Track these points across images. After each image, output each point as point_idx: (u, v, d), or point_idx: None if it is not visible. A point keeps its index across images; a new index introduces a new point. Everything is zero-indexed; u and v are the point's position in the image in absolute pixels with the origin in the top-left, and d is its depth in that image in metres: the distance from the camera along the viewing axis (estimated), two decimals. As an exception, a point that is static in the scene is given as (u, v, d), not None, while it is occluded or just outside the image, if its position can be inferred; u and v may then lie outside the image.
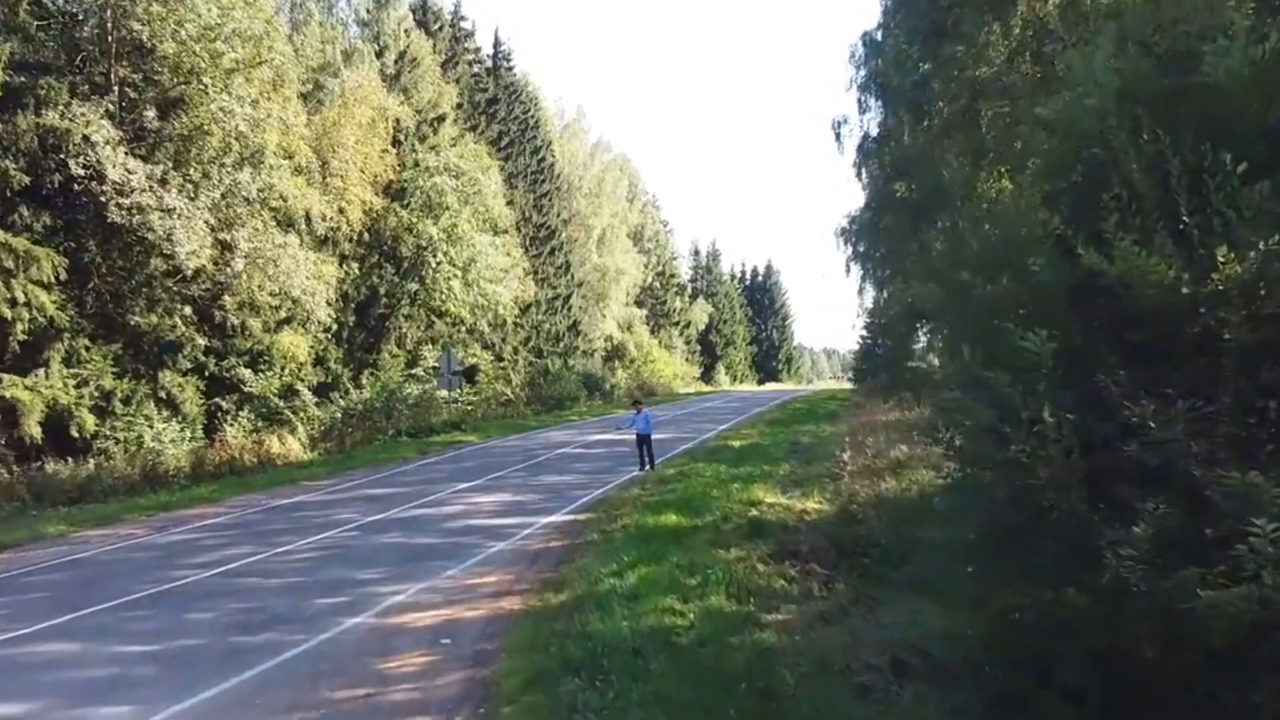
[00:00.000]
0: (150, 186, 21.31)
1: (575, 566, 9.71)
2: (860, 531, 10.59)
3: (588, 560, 9.87)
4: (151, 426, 22.16)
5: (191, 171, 22.46)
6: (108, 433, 21.18)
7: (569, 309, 49.74)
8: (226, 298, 25.18)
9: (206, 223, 22.16)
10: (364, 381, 29.92)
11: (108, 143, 20.55)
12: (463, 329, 37.35)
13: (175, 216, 21.34)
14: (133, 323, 23.19)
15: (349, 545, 11.77)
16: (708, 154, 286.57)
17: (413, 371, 33.84)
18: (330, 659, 7.20)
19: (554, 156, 51.36)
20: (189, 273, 22.47)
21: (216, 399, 25.14)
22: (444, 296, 34.36)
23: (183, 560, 11.24)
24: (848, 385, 76.11)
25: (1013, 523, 4.04)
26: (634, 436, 18.44)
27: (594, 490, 15.72)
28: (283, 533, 12.73)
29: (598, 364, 55.00)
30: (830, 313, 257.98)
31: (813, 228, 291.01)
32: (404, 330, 35.14)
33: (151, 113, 22.21)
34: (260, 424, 25.04)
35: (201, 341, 24.75)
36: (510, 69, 47.90)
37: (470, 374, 37.22)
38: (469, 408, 34.56)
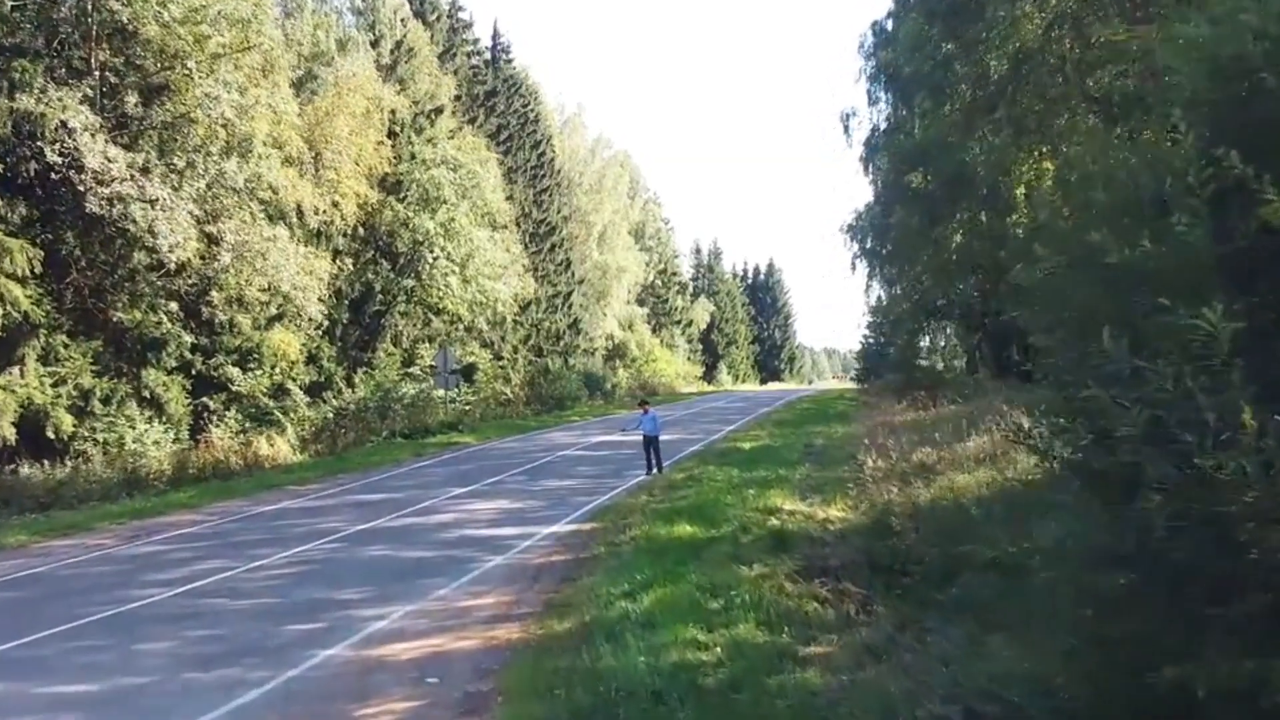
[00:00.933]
0: (131, 175, 20.25)
1: (581, 586, 8.66)
2: (896, 545, 9.52)
3: (595, 579, 8.82)
4: (133, 427, 21.12)
5: (175, 160, 21.41)
6: (86, 434, 20.15)
7: (569, 307, 48.67)
8: (214, 293, 24.16)
9: (191, 214, 21.08)
10: (358, 381, 28.86)
11: (86, 129, 19.48)
12: (461, 327, 36.30)
13: (158, 207, 20.28)
14: (115, 319, 22.19)
15: (331, 559, 10.70)
16: (708, 151, 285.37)
17: (409, 370, 32.82)
18: (298, 701, 6.17)
19: (554, 152, 50.27)
20: (173, 266, 21.42)
21: (203, 399, 24.13)
22: (441, 293, 33.31)
23: (148, 576, 10.17)
24: (851, 385, 75.26)
25: (1184, 562, 2.99)
26: (640, 438, 17.41)
27: (599, 496, 14.66)
28: (261, 544, 11.65)
29: (599, 363, 53.97)
30: (831, 312, 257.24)
31: (813, 227, 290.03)
32: (400, 328, 34.10)
33: (133, 98, 21.18)
34: (248, 425, 24.00)
35: (188, 339, 23.74)
36: (509, 61, 46.85)
37: (468, 373, 36.16)
38: (466, 408, 33.50)
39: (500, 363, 39.35)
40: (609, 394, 48.50)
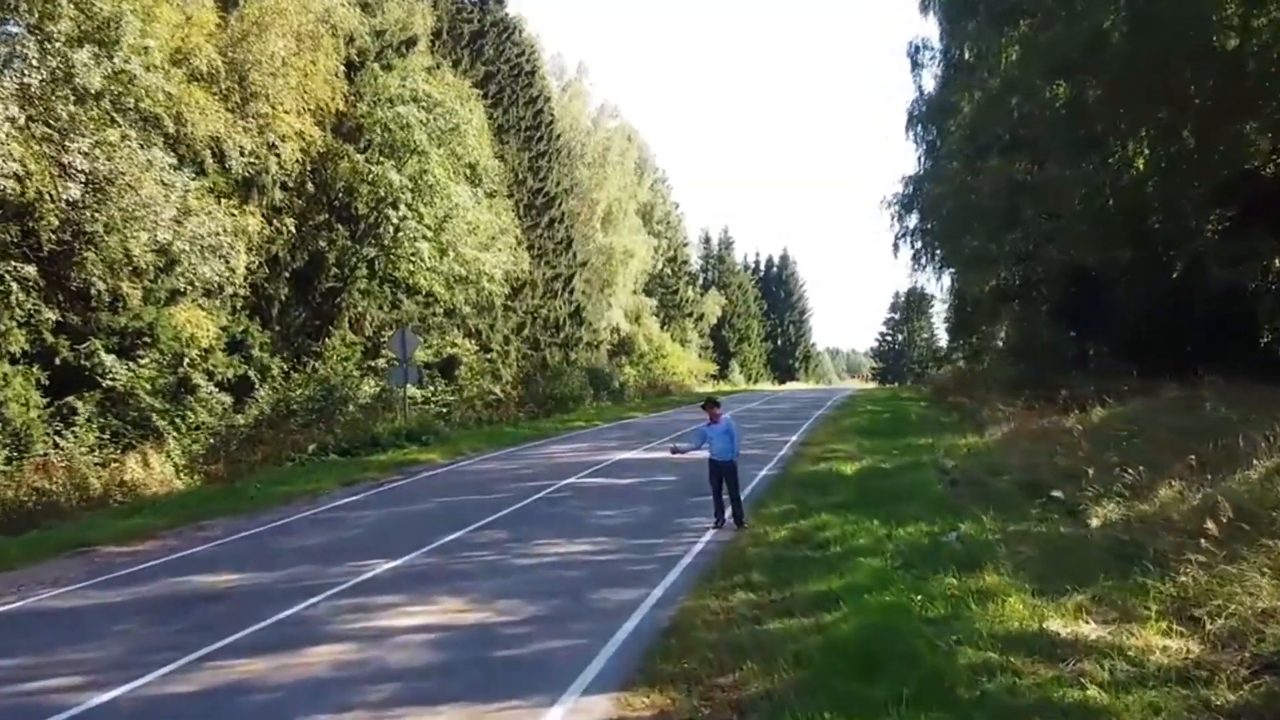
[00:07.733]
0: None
1: None
2: None
3: None
4: (-70, 441, 14.21)
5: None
6: None
7: (571, 292, 41.66)
8: (88, 253, 17.24)
9: (12, 122, 14.15)
10: (290, 374, 21.86)
11: None
12: (439, 310, 29.25)
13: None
14: (-74, 285, 15.32)
15: None
16: (715, 131, 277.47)
17: (372, 364, 25.83)
18: None
19: (552, 115, 43.27)
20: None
21: (69, 399, 17.20)
22: (411, 265, 26.26)
23: None
24: (872, 385, 68.63)
25: None
26: (699, 457, 10.52)
27: (645, 589, 7.58)
28: None
29: (603, 358, 47.09)
30: (835, 312, 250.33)
31: (825, 220, 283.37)
32: (361, 309, 27.06)
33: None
34: (124, 433, 17.00)
35: (49, 315, 16.88)
36: (500, 2, 39.85)
37: (449, 368, 29.15)
38: (445, 410, 26.46)
39: (488, 356, 32.33)
40: (617, 393, 41.58)
